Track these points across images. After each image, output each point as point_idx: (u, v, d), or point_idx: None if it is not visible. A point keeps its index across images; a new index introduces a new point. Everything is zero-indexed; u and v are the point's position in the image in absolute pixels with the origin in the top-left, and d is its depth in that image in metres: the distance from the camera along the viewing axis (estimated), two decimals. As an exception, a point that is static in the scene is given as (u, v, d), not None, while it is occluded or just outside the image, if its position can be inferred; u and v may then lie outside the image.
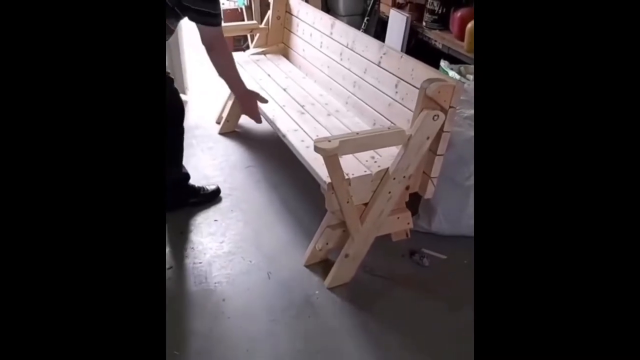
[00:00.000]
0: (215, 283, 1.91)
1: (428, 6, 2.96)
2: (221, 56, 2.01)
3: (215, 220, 2.25)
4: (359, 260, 1.93)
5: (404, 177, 1.79)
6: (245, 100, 2.21)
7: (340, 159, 1.67)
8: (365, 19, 3.53)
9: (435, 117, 1.69)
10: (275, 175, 2.61)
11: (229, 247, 2.10)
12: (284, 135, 2.14)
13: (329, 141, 1.60)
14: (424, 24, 3.00)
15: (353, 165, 1.86)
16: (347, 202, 1.75)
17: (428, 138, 1.73)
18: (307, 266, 2.01)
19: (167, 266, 1.97)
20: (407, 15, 3.03)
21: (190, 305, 1.81)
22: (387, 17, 3.23)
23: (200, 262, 2.01)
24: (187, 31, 3.41)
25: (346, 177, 1.74)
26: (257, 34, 3.02)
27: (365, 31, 3.51)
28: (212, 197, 2.38)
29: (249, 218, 2.29)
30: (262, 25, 3.00)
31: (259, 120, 2.26)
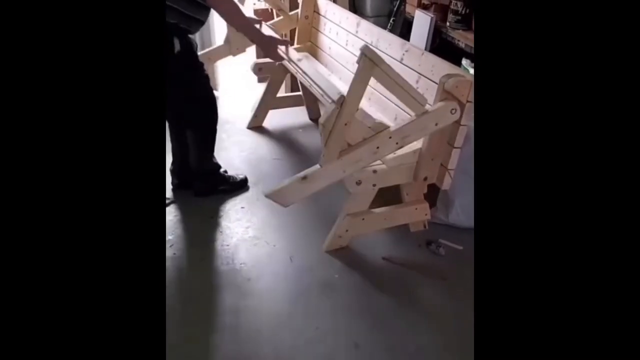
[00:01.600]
0: (240, 264, 2.03)
1: (452, 7, 3.02)
2: (222, 3, 2.03)
3: (242, 207, 2.38)
4: (310, 190, 1.88)
5: (397, 143, 1.82)
6: (264, 45, 2.23)
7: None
8: (391, 19, 3.61)
9: (453, 111, 1.77)
10: (299, 167, 2.72)
11: (254, 232, 2.23)
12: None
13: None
14: (447, 24, 3.06)
15: (367, 107, 1.93)
16: (345, 124, 1.76)
17: (437, 124, 1.80)
18: (327, 252, 2.11)
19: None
20: (432, 15, 3.10)
21: (218, 283, 1.93)
22: (413, 17, 3.31)
23: (227, 245, 2.13)
24: (220, 29, 3.56)
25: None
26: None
27: (391, 31, 3.60)
28: (240, 186, 2.52)
29: (273, 206, 2.38)
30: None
31: (279, 59, 2.31)
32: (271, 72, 2.99)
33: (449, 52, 3.12)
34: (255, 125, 3.13)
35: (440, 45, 3.15)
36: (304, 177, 1.84)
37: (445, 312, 1.82)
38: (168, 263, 2.01)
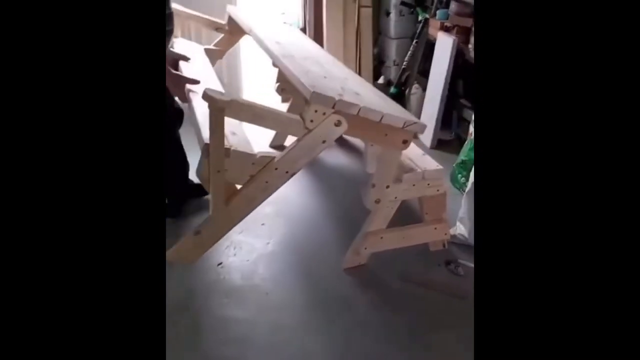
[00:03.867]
0: (260, 279, 2.06)
1: (474, 29, 3.06)
2: None
3: (262, 224, 2.42)
4: (209, 243, 1.81)
5: (287, 172, 1.74)
6: (169, 83, 2.05)
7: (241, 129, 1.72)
8: (414, 41, 3.66)
9: (337, 123, 1.72)
10: (319, 184, 2.77)
11: (274, 247, 2.26)
12: None
13: (222, 94, 1.59)
14: (470, 46, 3.09)
15: (245, 145, 1.77)
16: (218, 171, 1.65)
17: (324, 142, 1.73)
18: (346, 269, 2.12)
19: (218, 263, 2.15)
20: (454, 37, 3.14)
21: (237, 297, 1.96)
22: (435, 39, 3.35)
23: (247, 260, 2.17)
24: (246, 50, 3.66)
25: (228, 146, 1.67)
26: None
27: (413, 53, 3.65)
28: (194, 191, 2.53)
29: (293, 223, 2.45)
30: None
31: (183, 100, 2.11)
32: (293, 93, 3.05)
33: (470, 73, 3.15)
34: (278, 143, 3.19)
35: (462, 67, 3.18)
36: (197, 232, 1.77)
37: (464, 332, 1.81)
38: (187, 274, 2.06)
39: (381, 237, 2.09)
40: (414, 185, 2.02)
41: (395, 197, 2.04)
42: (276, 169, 1.75)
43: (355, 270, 2.12)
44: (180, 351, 1.68)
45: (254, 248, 2.25)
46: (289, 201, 2.60)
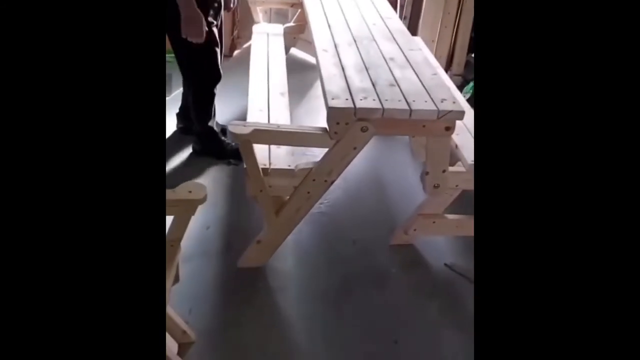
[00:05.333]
0: (305, 237, 2.19)
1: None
2: None
3: None
4: (271, 248, 1.98)
5: (325, 180, 1.79)
6: (185, 20, 2.06)
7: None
8: None
9: (364, 129, 1.67)
10: (380, 149, 2.74)
11: (326, 209, 2.36)
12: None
13: (244, 126, 1.66)
14: None
15: (281, 155, 1.91)
16: (261, 191, 1.79)
17: (355, 148, 1.72)
18: (392, 245, 2.16)
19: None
20: None
21: (279, 251, 2.07)
22: None
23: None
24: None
25: (264, 166, 1.82)
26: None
27: None
28: (233, 155, 2.58)
29: (351, 186, 2.50)
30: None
31: (196, 38, 2.12)
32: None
33: None
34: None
35: None
36: (259, 242, 1.95)
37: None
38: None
39: (433, 222, 2.06)
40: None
41: (457, 185, 1.97)
42: (314, 180, 1.83)
43: (402, 248, 2.15)
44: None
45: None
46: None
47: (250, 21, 3.29)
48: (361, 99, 1.72)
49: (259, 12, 3.17)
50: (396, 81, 1.88)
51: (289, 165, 1.88)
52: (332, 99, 1.72)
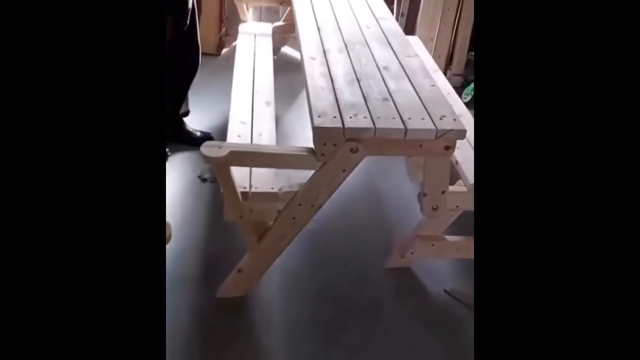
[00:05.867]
0: (294, 258, 2.01)
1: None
2: None
3: None
4: (254, 278, 1.82)
5: (312, 205, 1.62)
6: None
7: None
8: None
9: (354, 150, 1.51)
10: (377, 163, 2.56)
11: (318, 226, 2.11)
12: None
13: (219, 147, 1.50)
14: None
15: (264, 176, 1.73)
16: (240, 217, 1.64)
17: (344, 171, 1.55)
18: (388, 269, 2.01)
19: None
20: None
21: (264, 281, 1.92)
22: None
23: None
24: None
25: (244, 189, 1.65)
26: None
27: None
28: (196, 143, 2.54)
29: (342, 201, 2.27)
30: None
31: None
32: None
33: None
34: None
35: None
36: (239, 270, 1.78)
37: None
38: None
39: (432, 245, 1.89)
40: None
41: (457, 206, 1.80)
42: (300, 204, 1.65)
43: (398, 272, 2.00)
44: None
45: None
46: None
47: (239, 18, 3.10)
48: (351, 117, 1.54)
49: (245, 10, 2.97)
50: (390, 94, 1.70)
51: (272, 188, 1.70)
52: (319, 116, 1.54)
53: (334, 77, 1.78)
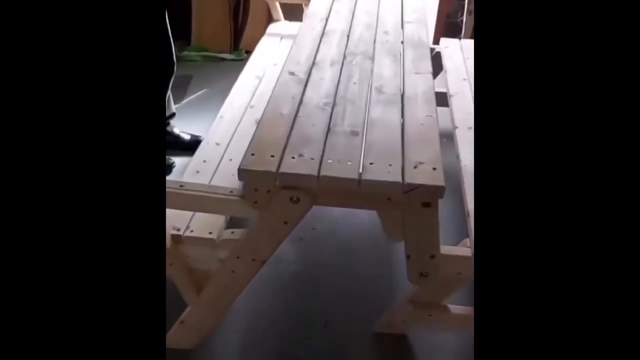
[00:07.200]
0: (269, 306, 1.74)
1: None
2: None
3: (301, 239, 1.98)
4: (199, 332, 1.56)
5: (254, 259, 1.32)
6: None
7: None
8: None
9: (295, 200, 1.18)
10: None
11: (290, 265, 1.87)
12: None
13: None
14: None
15: (211, 219, 1.43)
16: (171, 264, 1.35)
17: (286, 223, 1.24)
18: (377, 333, 1.64)
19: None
20: None
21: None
22: None
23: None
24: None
25: (177, 232, 1.37)
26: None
27: None
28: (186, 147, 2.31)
29: (325, 235, 1.99)
30: None
31: None
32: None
33: None
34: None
35: None
36: (182, 322, 1.53)
37: None
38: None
39: (430, 315, 1.47)
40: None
41: (459, 273, 1.38)
42: (238, 257, 1.34)
43: (388, 339, 1.61)
44: None
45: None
46: (338, 217, 2.07)
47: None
48: (294, 157, 1.20)
49: (278, 9, 2.66)
50: (365, 127, 1.31)
51: (210, 233, 1.40)
52: (252, 154, 1.21)
53: (305, 101, 1.42)
